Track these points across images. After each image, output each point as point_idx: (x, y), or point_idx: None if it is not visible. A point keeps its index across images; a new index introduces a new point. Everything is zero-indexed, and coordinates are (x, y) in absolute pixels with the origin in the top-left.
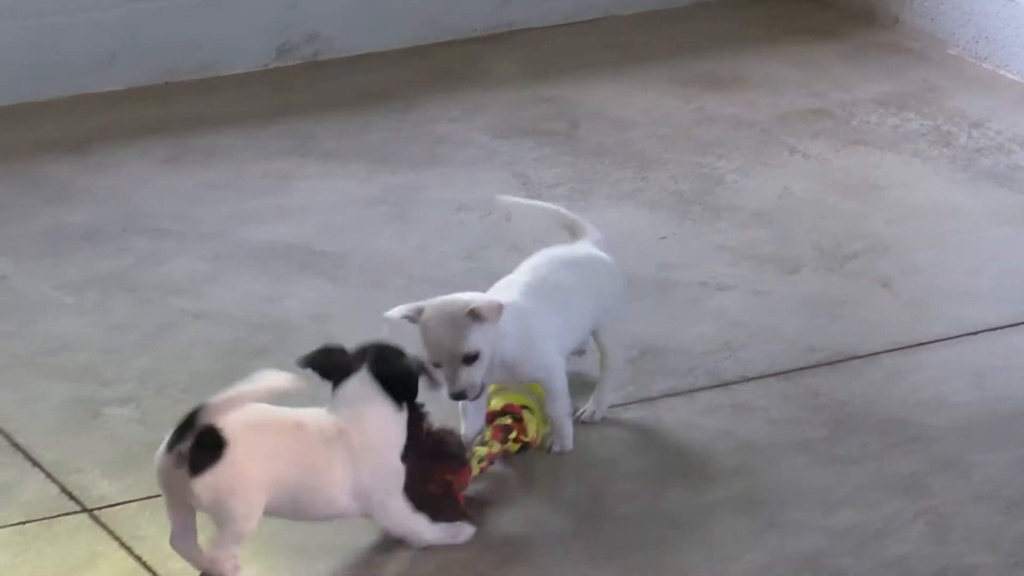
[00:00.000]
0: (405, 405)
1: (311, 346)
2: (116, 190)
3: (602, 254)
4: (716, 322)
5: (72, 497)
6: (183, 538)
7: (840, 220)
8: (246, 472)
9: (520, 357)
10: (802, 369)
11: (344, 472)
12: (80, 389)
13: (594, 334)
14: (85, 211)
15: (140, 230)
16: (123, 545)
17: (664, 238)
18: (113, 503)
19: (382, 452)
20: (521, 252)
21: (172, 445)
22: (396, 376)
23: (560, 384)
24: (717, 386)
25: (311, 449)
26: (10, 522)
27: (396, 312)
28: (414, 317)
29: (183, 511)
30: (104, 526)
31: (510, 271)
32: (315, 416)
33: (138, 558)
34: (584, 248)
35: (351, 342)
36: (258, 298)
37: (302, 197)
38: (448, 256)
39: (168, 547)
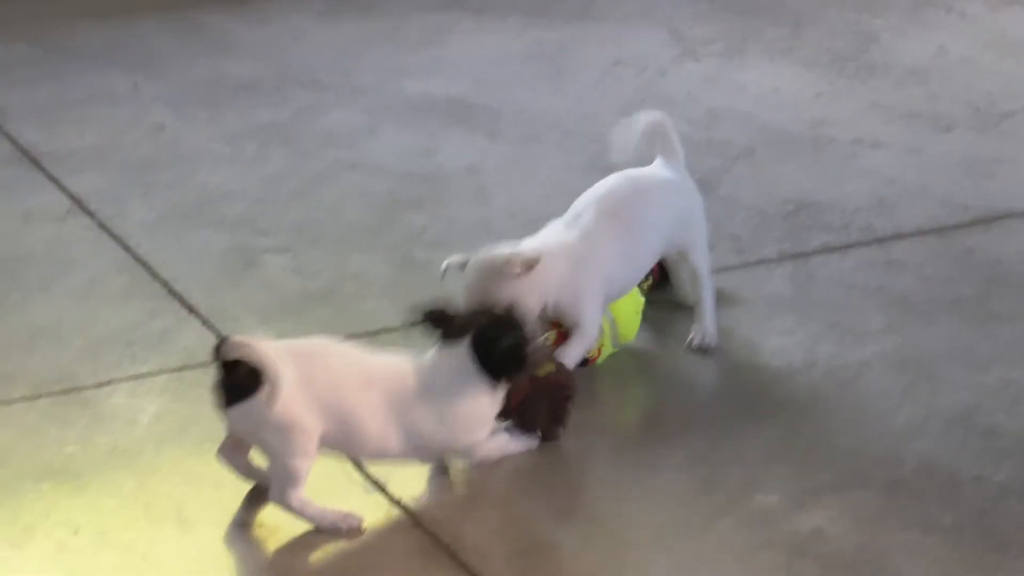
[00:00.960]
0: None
1: (466, 199)
2: (274, 42)
3: (676, 175)
4: (870, 179)
5: None
6: (230, 448)
7: (996, 79)
8: (283, 408)
9: (565, 303)
10: (956, 227)
11: (400, 425)
12: (237, 239)
13: (680, 257)
14: (243, 62)
15: (298, 82)
16: None
17: (819, 95)
18: None
19: (467, 420)
20: (675, 107)
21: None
22: (495, 358)
23: (591, 335)
24: (871, 242)
25: (364, 393)
26: (169, 367)
27: (450, 262)
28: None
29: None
30: None
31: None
32: (394, 363)
33: None
34: (658, 172)
35: (504, 196)
36: (413, 151)
37: (458, 51)
38: (602, 112)
39: None
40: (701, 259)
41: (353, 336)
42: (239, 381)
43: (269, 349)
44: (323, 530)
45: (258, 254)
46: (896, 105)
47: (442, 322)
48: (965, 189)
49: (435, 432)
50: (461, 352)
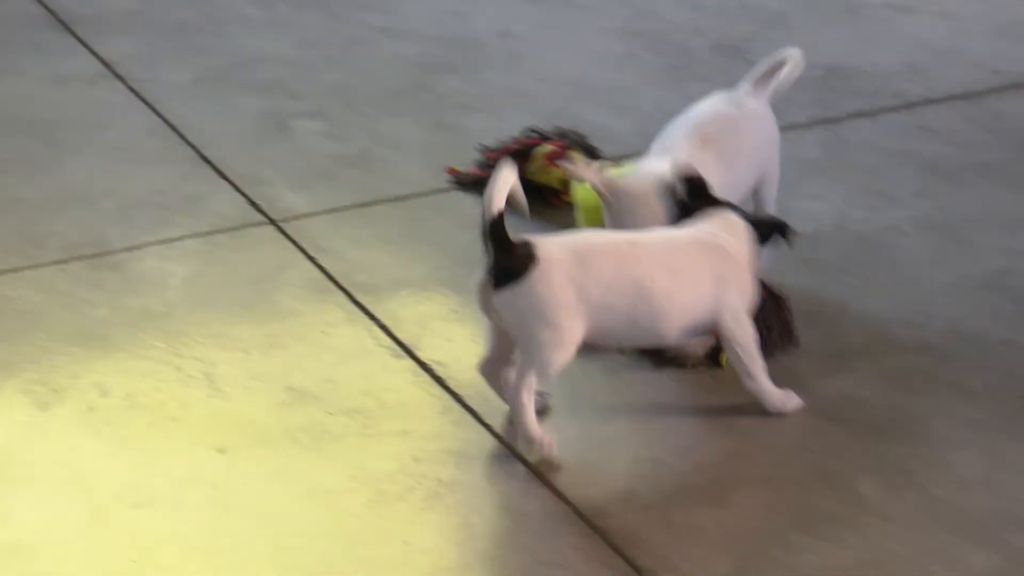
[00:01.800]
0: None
1: (499, 63)
2: None
3: (763, 106)
4: (902, 44)
5: (259, 209)
6: (491, 364)
7: None
8: (554, 294)
9: None
10: (987, 91)
11: (709, 284)
12: (269, 103)
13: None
14: None
15: None
16: (308, 256)
17: None
18: (299, 215)
19: (747, 268)
20: None
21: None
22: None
23: None
24: (901, 107)
25: (654, 267)
26: (199, 232)
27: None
28: (602, 189)
29: (498, 337)
30: (289, 237)
31: None
32: (665, 233)
33: (322, 269)
34: (749, 101)
35: (536, 60)
36: (446, 14)
37: None
38: None
39: (352, 258)
40: (773, 191)
41: (384, 200)
42: (511, 263)
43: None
44: (517, 435)
45: (290, 118)
46: None
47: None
48: (996, 54)
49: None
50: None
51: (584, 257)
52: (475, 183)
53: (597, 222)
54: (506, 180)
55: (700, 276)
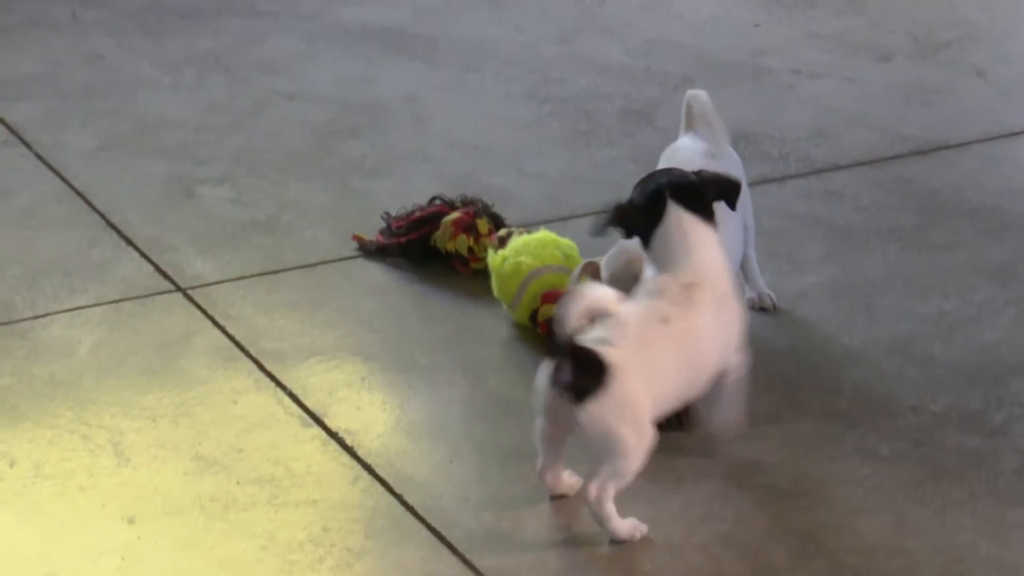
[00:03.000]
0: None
1: (404, 127)
2: None
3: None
4: (809, 109)
5: (166, 276)
6: (551, 470)
7: (934, 7)
8: (637, 399)
9: None
10: (894, 157)
11: (720, 327)
12: (176, 168)
13: None
14: None
15: (236, 10)
16: (215, 323)
17: (758, 25)
18: (207, 282)
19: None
20: (614, 37)
21: (554, 375)
22: (701, 187)
23: None
24: (809, 173)
25: (688, 336)
26: (106, 300)
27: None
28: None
29: (553, 441)
30: (198, 305)
31: (604, 56)
32: (655, 293)
33: (230, 336)
34: (726, 147)
35: (442, 125)
36: (352, 79)
37: None
38: (541, 41)
39: (260, 326)
40: (751, 219)
41: (292, 267)
42: (587, 372)
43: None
44: (616, 539)
45: (197, 184)
46: (835, 35)
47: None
48: (903, 119)
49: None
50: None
51: (644, 351)
52: (380, 251)
53: (511, 290)
54: (587, 296)
55: (716, 331)
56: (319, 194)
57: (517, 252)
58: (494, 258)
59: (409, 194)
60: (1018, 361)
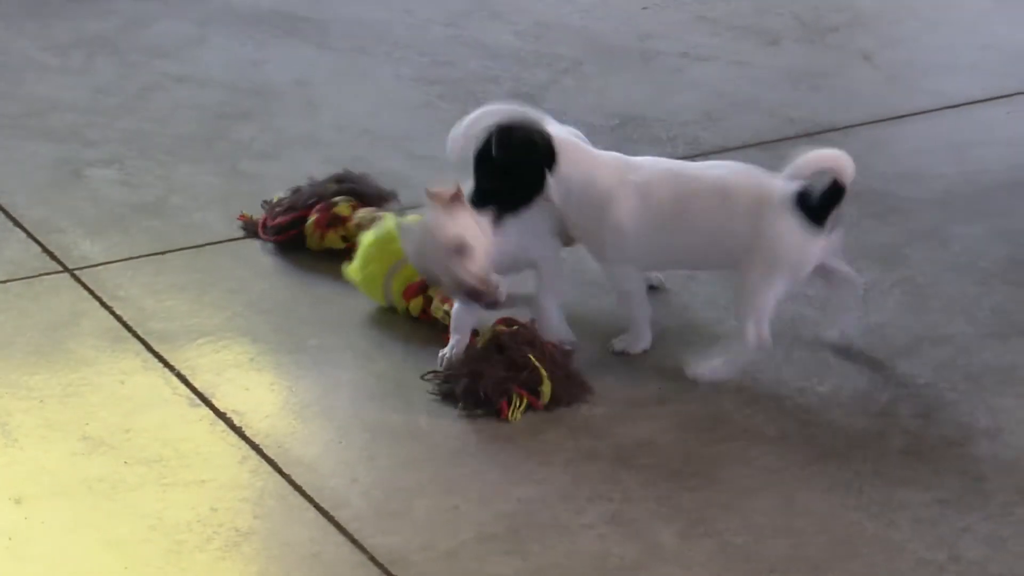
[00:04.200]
0: None
1: (294, 110)
2: None
3: None
4: (697, 92)
5: (53, 257)
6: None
7: None
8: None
9: None
10: (781, 140)
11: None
12: (64, 150)
13: None
14: None
15: None
16: (103, 304)
17: (646, 8)
18: (95, 263)
19: None
20: (503, 19)
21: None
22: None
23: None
24: (697, 155)
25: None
26: None
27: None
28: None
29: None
30: (85, 286)
31: (493, 39)
32: None
33: (118, 317)
34: None
35: (332, 108)
36: (242, 62)
37: None
38: (432, 23)
39: (148, 307)
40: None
41: (180, 248)
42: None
43: None
44: None
45: (85, 166)
46: (723, 18)
47: None
48: (791, 102)
49: None
50: None
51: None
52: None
53: (379, 297)
54: None
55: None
56: (209, 176)
57: (365, 263)
58: (349, 272)
59: (298, 177)
60: (903, 343)
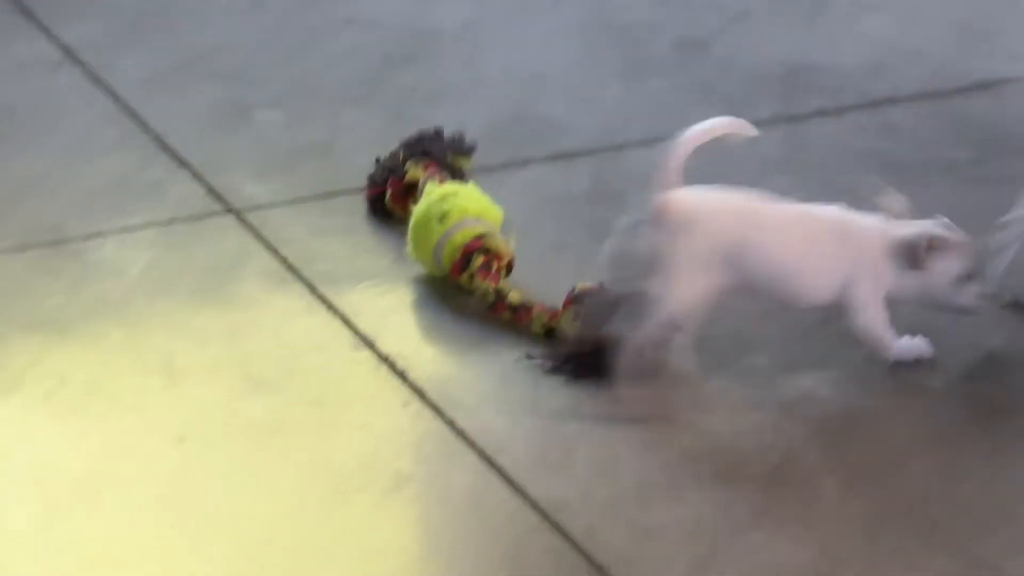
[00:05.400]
0: None
1: (459, 56)
2: None
3: None
4: (867, 43)
5: (219, 197)
6: None
7: None
8: None
9: None
10: (951, 92)
11: None
12: (229, 92)
13: None
14: None
15: None
16: (268, 246)
17: None
18: (260, 204)
19: None
20: None
21: None
22: None
23: None
24: (866, 106)
25: None
26: (159, 220)
27: None
28: None
29: None
30: (250, 227)
31: None
32: None
33: (283, 259)
34: None
35: (499, 52)
36: (409, 5)
37: None
38: None
39: (313, 249)
40: None
41: (345, 192)
42: None
43: None
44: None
45: (250, 108)
46: None
47: None
48: (961, 54)
49: None
50: None
51: None
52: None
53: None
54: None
55: None
56: (374, 120)
57: (413, 246)
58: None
59: (463, 122)
60: None
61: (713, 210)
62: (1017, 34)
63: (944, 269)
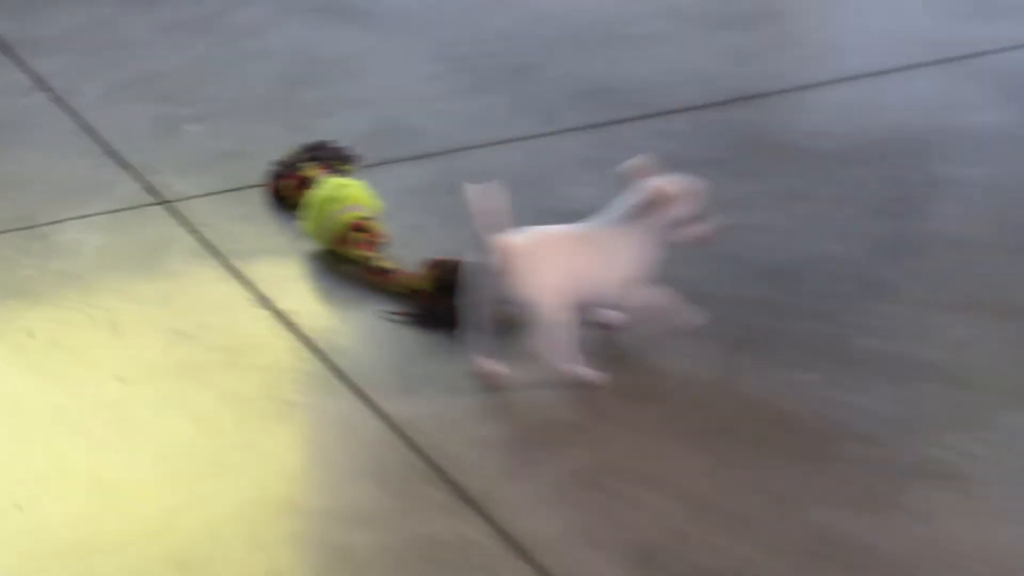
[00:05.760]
0: None
1: (345, 79)
2: None
3: None
4: (656, 66)
5: (154, 192)
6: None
7: None
8: None
9: None
10: (714, 104)
11: None
12: (165, 109)
13: None
14: None
15: None
16: (192, 230)
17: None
18: (185, 197)
19: None
20: (508, 8)
21: None
22: None
23: None
24: (653, 115)
25: None
26: (107, 210)
27: None
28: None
29: None
30: (178, 215)
31: (495, 24)
32: None
33: (203, 240)
34: None
35: (375, 76)
36: (306, 40)
37: None
38: (448, 10)
39: (227, 231)
40: None
41: (255, 186)
42: None
43: None
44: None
45: (180, 121)
46: (682, 9)
47: None
48: (729, 75)
49: None
50: None
51: None
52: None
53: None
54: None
55: None
56: (275, 130)
57: (312, 221)
58: (304, 227)
59: (347, 130)
60: (796, 262)
61: (537, 245)
62: (772, 58)
63: (671, 214)
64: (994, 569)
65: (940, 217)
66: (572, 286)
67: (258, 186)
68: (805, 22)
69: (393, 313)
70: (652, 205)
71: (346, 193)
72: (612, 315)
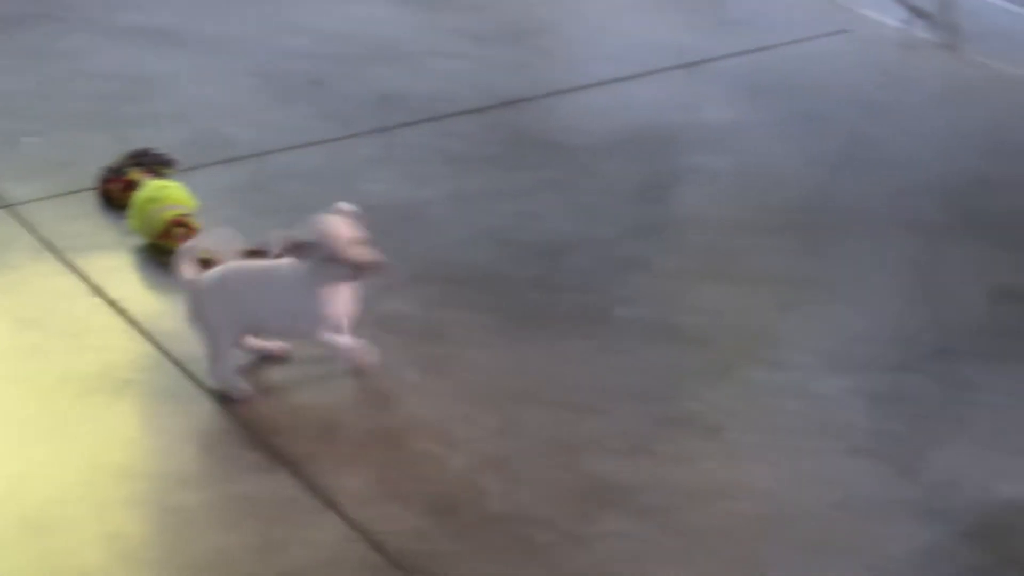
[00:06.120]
0: None
1: (165, 95)
2: None
3: None
4: (439, 77)
5: None
6: None
7: (522, 8)
8: None
9: None
10: (489, 108)
11: None
12: (4, 124)
13: None
14: (10, 4)
15: (43, 16)
16: (32, 229)
17: (401, 21)
18: (25, 201)
19: None
20: (305, 32)
21: None
22: None
23: None
24: (436, 119)
25: None
26: None
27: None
28: None
29: None
30: (19, 216)
31: (297, 44)
32: None
33: (42, 238)
34: None
35: (193, 92)
36: (129, 62)
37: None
38: (258, 34)
39: (63, 229)
40: None
41: (86, 190)
42: None
43: None
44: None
45: (18, 134)
46: (460, 27)
47: None
48: (504, 82)
49: None
50: None
51: None
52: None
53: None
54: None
55: None
56: (104, 140)
57: (136, 217)
58: (130, 224)
59: (168, 139)
60: (568, 245)
61: (215, 281)
62: (539, 67)
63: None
64: (745, 502)
65: (688, 201)
66: (246, 318)
67: (90, 189)
68: (566, 35)
69: None
70: (315, 246)
71: (166, 194)
72: (276, 346)
